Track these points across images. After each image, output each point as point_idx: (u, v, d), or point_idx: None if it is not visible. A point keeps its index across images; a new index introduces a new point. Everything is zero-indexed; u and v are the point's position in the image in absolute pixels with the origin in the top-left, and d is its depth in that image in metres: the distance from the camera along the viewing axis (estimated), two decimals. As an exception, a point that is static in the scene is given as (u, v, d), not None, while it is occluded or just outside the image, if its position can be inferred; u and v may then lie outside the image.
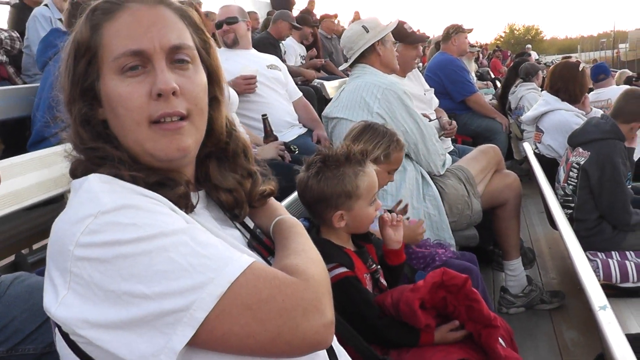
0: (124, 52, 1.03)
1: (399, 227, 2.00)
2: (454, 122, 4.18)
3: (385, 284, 1.91)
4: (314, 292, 0.97)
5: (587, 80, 4.56)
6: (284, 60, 6.23)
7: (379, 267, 1.93)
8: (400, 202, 2.58)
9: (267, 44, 5.77)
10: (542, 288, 3.59)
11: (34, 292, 1.71)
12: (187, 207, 1.08)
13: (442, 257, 2.48)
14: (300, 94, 4.23)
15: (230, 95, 4.28)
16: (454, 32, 5.83)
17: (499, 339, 1.76)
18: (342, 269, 1.79)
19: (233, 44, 3.97)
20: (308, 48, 7.57)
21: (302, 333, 0.94)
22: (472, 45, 9.81)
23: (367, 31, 3.29)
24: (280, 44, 6.44)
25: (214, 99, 1.18)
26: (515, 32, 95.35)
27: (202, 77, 1.12)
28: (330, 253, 1.75)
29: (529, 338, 3.19)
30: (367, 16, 3.37)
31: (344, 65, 3.37)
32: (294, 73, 5.62)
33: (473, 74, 9.61)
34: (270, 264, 1.14)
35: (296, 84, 5.67)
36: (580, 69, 4.47)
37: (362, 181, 1.85)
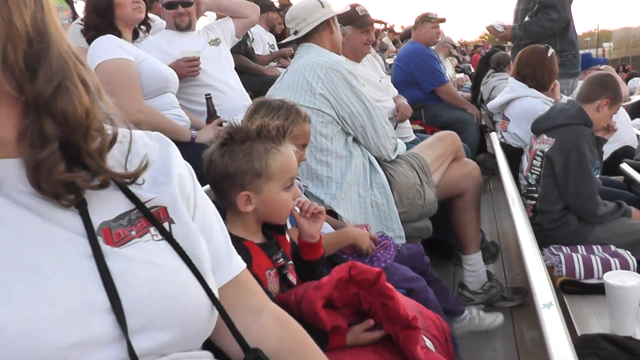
0: None
1: (318, 219, 1.74)
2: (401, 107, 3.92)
3: (294, 282, 1.65)
4: None
5: (556, 66, 4.32)
6: (252, 49, 5.99)
7: (289, 262, 1.68)
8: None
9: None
10: (503, 284, 3.36)
11: None
12: None
13: (382, 263, 2.24)
14: None
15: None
16: (420, 21, 5.65)
17: (426, 340, 1.52)
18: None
19: (187, 28, 3.72)
20: (278, 38, 7.28)
21: None
22: (453, 46, 9.61)
23: (323, 6, 3.02)
24: (248, 32, 6.16)
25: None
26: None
27: None
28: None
29: (486, 337, 2.95)
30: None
31: (290, 38, 3.10)
32: (255, 70, 5.42)
33: (450, 70, 9.41)
34: None
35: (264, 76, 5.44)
36: (549, 54, 4.25)
37: (274, 160, 1.59)
